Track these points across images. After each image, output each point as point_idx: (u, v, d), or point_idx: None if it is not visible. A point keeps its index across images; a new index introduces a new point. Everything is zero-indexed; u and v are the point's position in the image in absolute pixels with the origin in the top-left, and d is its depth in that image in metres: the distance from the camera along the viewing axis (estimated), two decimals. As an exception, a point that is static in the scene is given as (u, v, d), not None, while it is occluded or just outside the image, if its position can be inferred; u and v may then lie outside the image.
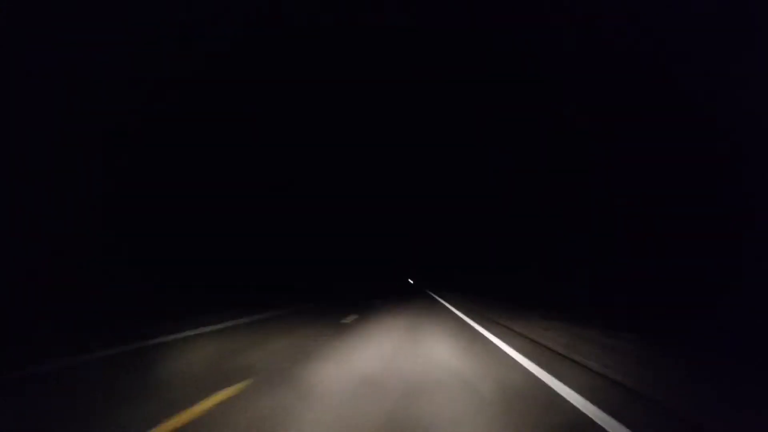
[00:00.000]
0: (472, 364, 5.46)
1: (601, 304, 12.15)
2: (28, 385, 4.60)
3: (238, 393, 4.20)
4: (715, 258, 10.50)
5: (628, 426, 3.30)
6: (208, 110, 22.78)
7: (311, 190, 49.70)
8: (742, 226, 10.58)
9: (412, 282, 68.42)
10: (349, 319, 11.06)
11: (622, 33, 14.52)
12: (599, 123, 15.59)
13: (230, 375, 4.80)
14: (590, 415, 3.57)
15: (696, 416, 3.47)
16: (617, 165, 14.92)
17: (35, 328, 8.12)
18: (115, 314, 10.62)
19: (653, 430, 3.34)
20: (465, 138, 41.98)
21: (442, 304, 17.48)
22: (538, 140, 20.15)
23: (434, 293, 27.70)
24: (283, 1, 27.23)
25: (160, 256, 17.47)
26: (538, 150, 20.31)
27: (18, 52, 14.74)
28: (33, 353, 6.02)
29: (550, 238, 18.83)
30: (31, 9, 15.17)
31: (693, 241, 11.44)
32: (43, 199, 14.75)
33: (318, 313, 13.19)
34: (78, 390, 4.37)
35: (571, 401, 3.96)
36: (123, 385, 4.53)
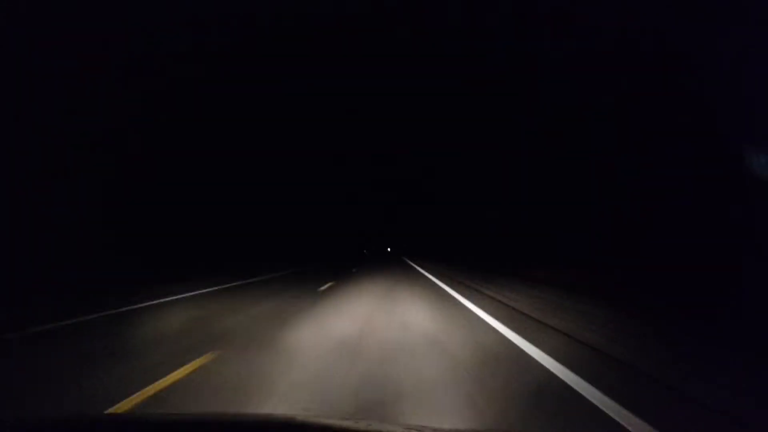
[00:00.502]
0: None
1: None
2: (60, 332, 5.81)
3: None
4: (715, 258, 10.34)
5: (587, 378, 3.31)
6: (201, 108, 23.13)
7: (304, 181, 51.77)
8: (742, 227, 10.45)
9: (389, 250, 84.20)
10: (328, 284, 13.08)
11: (623, 32, 14.55)
12: (600, 120, 15.56)
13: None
14: (557, 372, 3.57)
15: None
16: (617, 163, 14.85)
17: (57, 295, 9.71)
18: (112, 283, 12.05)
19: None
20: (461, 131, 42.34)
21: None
22: (535, 137, 20.15)
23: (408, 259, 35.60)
24: (283, 6, 27.60)
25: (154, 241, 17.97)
26: (536, 146, 20.30)
27: (21, 52, 15.03)
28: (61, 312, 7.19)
29: (547, 235, 18.75)
30: (32, 10, 15.41)
31: (692, 240, 11.32)
32: (46, 187, 15.00)
33: (305, 277, 16.23)
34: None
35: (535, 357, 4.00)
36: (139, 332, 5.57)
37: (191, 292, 10.07)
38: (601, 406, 2.79)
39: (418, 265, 24.57)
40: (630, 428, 2.47)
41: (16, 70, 14.85)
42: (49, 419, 1.73)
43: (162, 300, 8.67)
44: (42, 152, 15.50)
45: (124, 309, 7.50)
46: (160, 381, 3.38)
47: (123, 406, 2.93)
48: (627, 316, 6.42)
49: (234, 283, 12.69)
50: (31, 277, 11.88)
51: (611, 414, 2.67)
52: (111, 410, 2.85)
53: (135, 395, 3.11)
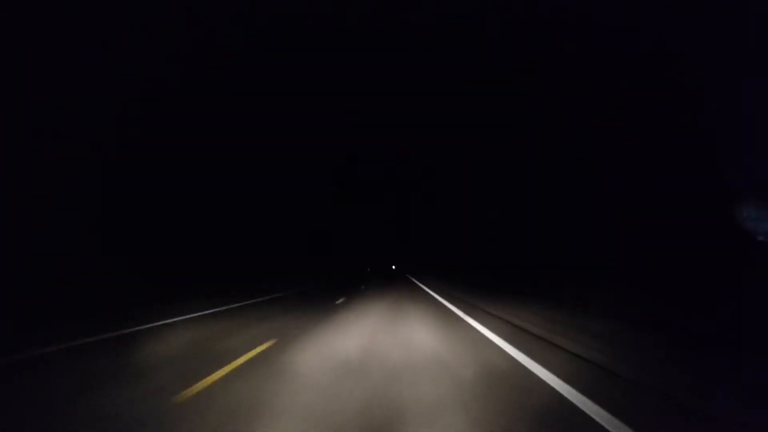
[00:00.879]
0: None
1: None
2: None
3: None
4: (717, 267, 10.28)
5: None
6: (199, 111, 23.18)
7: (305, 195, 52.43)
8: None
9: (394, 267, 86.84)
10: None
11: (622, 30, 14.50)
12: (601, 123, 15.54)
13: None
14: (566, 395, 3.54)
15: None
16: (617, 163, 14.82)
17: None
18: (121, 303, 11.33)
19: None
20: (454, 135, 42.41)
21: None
22: (535, 138, 20.13)
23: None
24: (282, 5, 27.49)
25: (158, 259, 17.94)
26: (535, 148, 20.29)
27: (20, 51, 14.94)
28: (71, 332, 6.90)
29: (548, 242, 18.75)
30: (33, 9, 15.31)
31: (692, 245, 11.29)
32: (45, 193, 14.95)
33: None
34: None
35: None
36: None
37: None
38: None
39: (432, 289, 18.52)
40: None
41: (16, 69, 14.78)
42: None
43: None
44: (40, 153, 15.45)
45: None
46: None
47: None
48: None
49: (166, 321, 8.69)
50: (31, 291, 11.69)
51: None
52: None
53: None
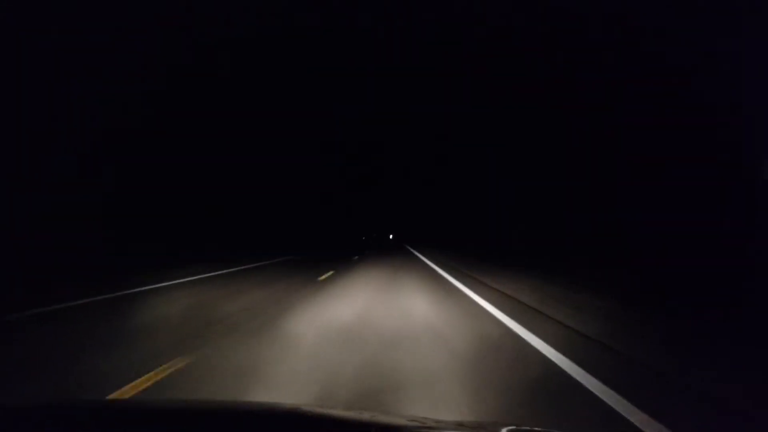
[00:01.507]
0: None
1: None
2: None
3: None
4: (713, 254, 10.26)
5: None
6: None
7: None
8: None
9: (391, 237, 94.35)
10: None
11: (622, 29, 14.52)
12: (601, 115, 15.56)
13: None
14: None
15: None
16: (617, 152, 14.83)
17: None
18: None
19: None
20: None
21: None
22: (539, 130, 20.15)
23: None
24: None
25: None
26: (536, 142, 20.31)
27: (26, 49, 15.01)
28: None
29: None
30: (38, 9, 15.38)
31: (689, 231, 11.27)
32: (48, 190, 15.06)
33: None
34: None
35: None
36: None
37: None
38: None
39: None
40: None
41: (21, 63, 14.86)
42: (50, 405, 1.64)
43: None
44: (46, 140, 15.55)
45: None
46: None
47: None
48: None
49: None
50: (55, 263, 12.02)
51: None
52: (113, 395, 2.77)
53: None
